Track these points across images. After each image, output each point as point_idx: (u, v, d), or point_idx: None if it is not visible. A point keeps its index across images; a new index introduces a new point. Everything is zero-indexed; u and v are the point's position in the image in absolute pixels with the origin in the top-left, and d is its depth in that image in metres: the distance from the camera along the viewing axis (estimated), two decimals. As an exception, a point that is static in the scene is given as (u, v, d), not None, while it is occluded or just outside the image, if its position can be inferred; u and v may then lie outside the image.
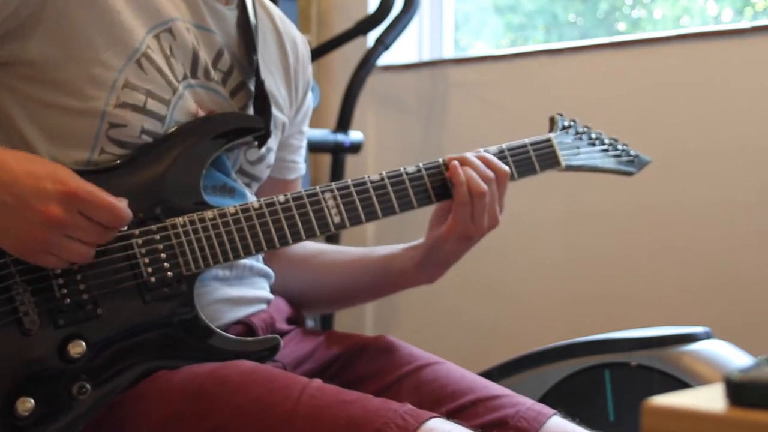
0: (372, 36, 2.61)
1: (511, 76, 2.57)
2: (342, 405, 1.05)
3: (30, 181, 1.04)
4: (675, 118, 2.29)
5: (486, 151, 1.34)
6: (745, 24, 2.25)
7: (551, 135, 1.41)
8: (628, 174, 1.48)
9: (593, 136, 1.45)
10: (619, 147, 1.47)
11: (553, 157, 1.39)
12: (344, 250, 1.46)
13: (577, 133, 1.44)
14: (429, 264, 1.35)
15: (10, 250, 1.07)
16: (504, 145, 1.36)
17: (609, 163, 1.46)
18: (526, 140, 1.38)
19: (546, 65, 2.52)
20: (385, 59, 2.67)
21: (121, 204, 1.08)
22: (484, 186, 1.28)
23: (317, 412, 1.05)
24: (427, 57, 2.86)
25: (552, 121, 1.44)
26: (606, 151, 1.46)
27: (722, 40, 2.23)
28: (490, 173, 1.30)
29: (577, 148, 1.43)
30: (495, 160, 1.32)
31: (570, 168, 1.41)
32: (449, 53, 2.85)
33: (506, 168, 1.31)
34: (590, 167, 1.44)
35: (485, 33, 3.05)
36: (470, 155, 1.31)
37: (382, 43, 2.53)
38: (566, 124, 1.44)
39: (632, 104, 2.35)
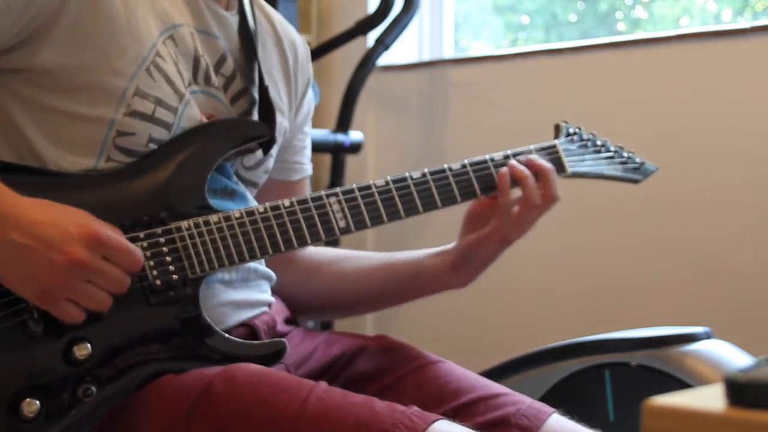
0: (372, 36, 2.61)
1: (511, 76, 2.57)
2: (349, 407, 1.06)
3: (54, 225, 1.04)
4: (675, 117, 2.29)
5: (491, 159, 1.34)
6: (745, 24, 2.25)
7: (557, 141, 1.41)
8: (634, 182, 1.48)
9: (599, 143, 1.45)
10: (625, 154, 1.47)
11: (558, 163, 1.39)
12: (367, 256, 1.46)
13: (583, 140, 1.44)
14: (464, 267, 1.36)
15: (28, 296, 1.06)
16: (509, 151, 1.36)
17: (615, 170, 1.45)
18: (532, 146, 1.38)
19: (546, 65, 2.52)
20: (385, 59, 2.67)
21: (138, 249, 1.09)
22: (538, 199, 1.31)
23: (324, 413, 1.05)
24: (427, 57, 2.86)
25: (557, 128, 1.44)
26: (611, 158, 1.45)
27: (722, 40, 2.23)
28: (552, 192, 1.33)
29: (583, 155, 1.43)
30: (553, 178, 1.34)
31: (575, 175, 1.41)
32: (449, 53, 2.85)
33: (558, 194, 1.34)
34: (595, 174, 1.44)
35: (485, 33, 3.05)
36: (525, 171, 1.33)
37: (382, 43, 2.53)
38: (572, 131, 1.43)
39: (632, 104, 2.35)
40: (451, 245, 1.37)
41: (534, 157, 1.35)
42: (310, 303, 1.44)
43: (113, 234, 1.07)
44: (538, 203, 1.31)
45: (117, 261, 1.07)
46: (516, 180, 1.31)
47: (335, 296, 1.42)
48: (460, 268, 1.36)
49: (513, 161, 1.33)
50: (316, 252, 1.45)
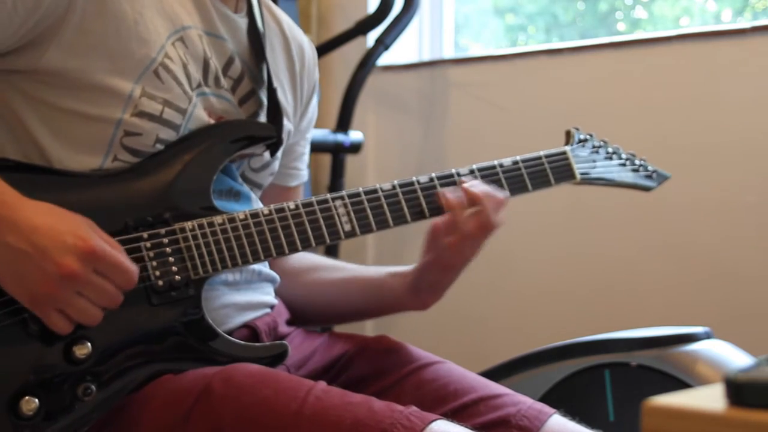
0: (372, 36, 2.61)
1: (511, 76, 2.57)
2: (347, 406, 1.06)
3: (51, 233, 1.03)
4: (675, 117, 2.29)
5: (500, 165, 1.32)
6: (745, 24, 2.25)
7: (567, 148, 1.40)
8: (647, 189, 1.47)
9: (610, 150, 1.44)
10: (637, 162, 1.46)
11: (568, 169, 1.38)
12: (340, 267, 1.45)
13: (594, 146, 1.43)
14: (419, 290, 1.34)
15: (21, 300, 1.06)
16: (519, 157, 1.35)
17: (626, 177, 1.44)
18: (542, 152, 1.37)
19: (546, 65, 2.52)
20: (385, 59, 2.67)
21: (134, 267, 1.08)
22: (470, 228, 1.24)
23: (323, 413, 1.05)
24: (427, 57, 2.86)
25: (568, 134, 1.43)
26: (623, 165, 1.44)
27: (722, 40, 2.23)
28: (491, 222, 1.25)
29: (594, 161, 1.42)
30: (492, 215, 1.25)
31: (585, 181, 1.40)
32: (449, 53, 2.85)
33: (496, 222, 1.26)
34: (607, 181, 1.42)
35: (485, 36, 3.05)
36: (485, 192, 1.26)
37: (382, 43, 2.53)
38: (583, 137, 1.42)
39: (632, 104, 2.35)
40: (411, 266, 1.35)
41: (468, 184, 1.26)
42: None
43: (110, 249, 1.06)
44: (470, 232, 1.24)
45: (111, 277, 1.06)
46: (445, 207, 1.25)
47: (303, 305, 1.41)
48: (417, 292, 1.34)
49: (440, 189, 1.26)
50: (295, 258, 1.43)
